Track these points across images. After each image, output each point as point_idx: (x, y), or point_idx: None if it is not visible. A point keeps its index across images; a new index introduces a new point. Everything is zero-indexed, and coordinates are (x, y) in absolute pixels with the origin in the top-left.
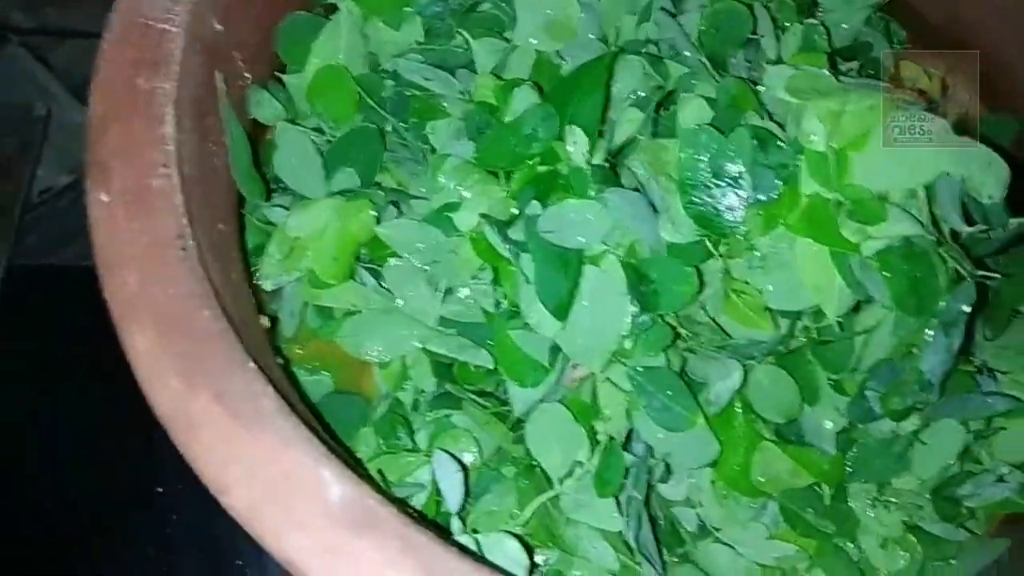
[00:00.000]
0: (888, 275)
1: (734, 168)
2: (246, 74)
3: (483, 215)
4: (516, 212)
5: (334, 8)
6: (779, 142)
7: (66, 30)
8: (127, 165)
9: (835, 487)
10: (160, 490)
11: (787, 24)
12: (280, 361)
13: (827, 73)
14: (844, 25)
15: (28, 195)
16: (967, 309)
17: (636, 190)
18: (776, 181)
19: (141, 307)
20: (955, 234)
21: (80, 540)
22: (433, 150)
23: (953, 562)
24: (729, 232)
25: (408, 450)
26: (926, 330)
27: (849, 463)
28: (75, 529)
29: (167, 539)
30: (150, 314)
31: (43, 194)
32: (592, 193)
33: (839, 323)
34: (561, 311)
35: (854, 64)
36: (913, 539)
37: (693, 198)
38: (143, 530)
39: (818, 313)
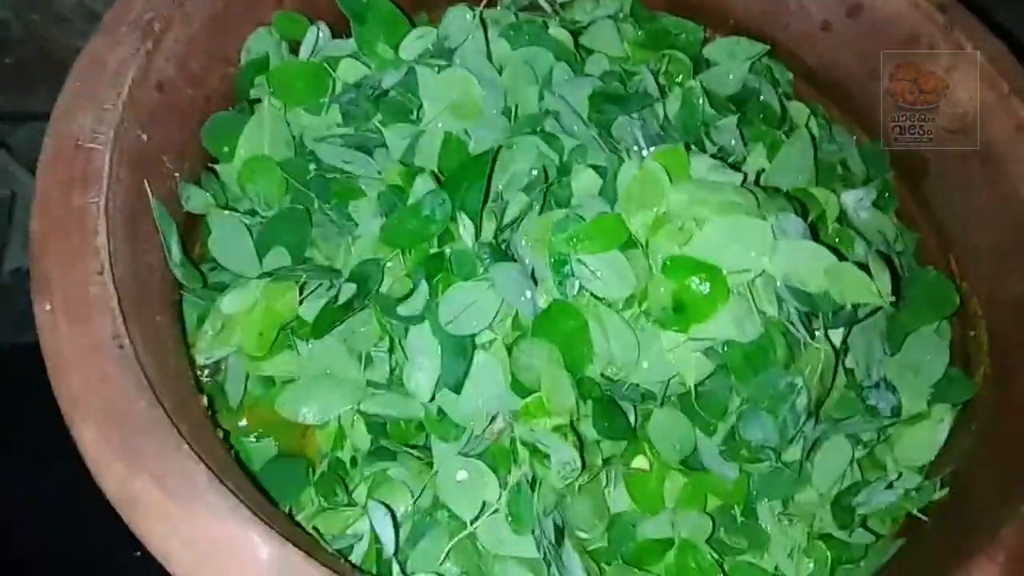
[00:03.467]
0: (728, 350)
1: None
2: (175, 173)
3: (375, 295)
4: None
5: (258, 100)
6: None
7: (23, 114)
8: (66, 276)
9: (744, 507)
10: None
11: (675, 82)
12: (220, 433)
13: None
14: (731, 75)
15: None
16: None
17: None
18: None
19: (84, 404)
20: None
21: None
22: (356, 225)
23: (862, 564)
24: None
25: (346, 505)
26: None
27: (754, 485)
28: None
29: None
30: (93, 410)
31: (13, 274)
32: (480, 271)
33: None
34: (457, 389)
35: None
36: (822, 545)
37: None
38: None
39: None
